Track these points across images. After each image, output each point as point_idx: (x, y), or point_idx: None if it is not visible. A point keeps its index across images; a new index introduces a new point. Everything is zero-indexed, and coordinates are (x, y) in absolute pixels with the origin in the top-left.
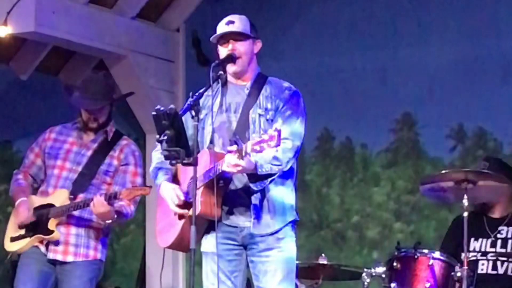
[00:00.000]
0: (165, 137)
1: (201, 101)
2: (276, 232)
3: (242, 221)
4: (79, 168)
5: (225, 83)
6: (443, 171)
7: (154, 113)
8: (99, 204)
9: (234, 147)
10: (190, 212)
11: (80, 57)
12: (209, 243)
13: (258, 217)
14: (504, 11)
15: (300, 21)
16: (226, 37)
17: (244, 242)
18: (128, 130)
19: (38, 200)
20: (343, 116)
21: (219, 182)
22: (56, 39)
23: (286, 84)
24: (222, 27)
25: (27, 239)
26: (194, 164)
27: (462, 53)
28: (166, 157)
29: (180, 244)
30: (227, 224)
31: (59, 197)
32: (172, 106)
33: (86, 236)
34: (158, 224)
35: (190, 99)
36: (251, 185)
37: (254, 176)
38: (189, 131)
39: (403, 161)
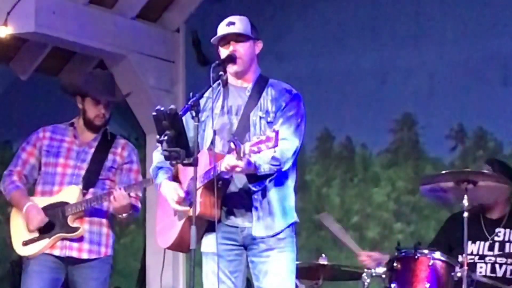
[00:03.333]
0: (165, 137)
1: (201, 103)
2: (277, 233)
3: (243, 221)
4: (84, 165)
5: (225, 85)
6: (443, 171)
7: (154, 113)
8: (120, 197)
9: (232, 145)
10: (190, 213)
11: (80, 57)
12: (209, 243)
13: (259, 219)
14: (504, 12)
15: (301, 21)
16: (227, 39)
17: (245, 242)
18: (128, 130)
19: (43, 201)
20: (343, 116)
21: (218, 183)
22: (56, 39)
23: (287, 86)
24: (222, 29)
25: (46, 240)
26: (194, 164)
27: (462, 53)
28: (166, 158)
29: (180, 245)
30: (227, 225)
31: (71, 194)
32: (172, 106)
33: (98, 232)
34: (158, 225)
35: (191, 100)
36: (250, 186)
37: (254, 176)
38: (190, 133)
39: (403, 161)
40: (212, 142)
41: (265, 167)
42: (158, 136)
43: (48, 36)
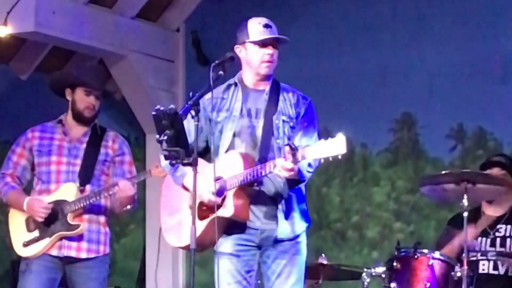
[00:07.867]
0: (165, 137)
1: (217, 102)
2: (297, 236)
3: (265, 224)
4: (78, 161)
5: (242, 87)
6: (443, 171)
7: (154, 113)
8: (126, 187)
9: (287, 149)
10: (219, 213)
11: (80, 57)
12: (227, 244)
13: (282, 221)
14: (504, 12)
15: (300, 21)
16: (269, 41)
17: (261, 244)
18: (128, 129)
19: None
20: (343, 116)
21: (253, 185)
22: (56, 39)
23: (300, 92)
24: (263, 30)
25: (46, 240)
26: (194, 164)
27: (462, 53)
28: (166, 157)
29: (198, 244)
30: (248, 227)
31: (68, 191)
32: (172, 106)
33: (96, 231)
34: (166, 223)
35: (190, 99)
36: (289, 191)
37: (295, 181)
38: (192, 134)
39: (403, 161)
40: (231, 144)
41: (304, 173)
42: (158, 136)
43: (48, 35)
